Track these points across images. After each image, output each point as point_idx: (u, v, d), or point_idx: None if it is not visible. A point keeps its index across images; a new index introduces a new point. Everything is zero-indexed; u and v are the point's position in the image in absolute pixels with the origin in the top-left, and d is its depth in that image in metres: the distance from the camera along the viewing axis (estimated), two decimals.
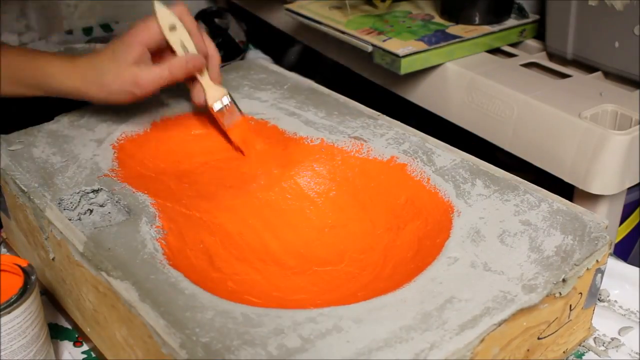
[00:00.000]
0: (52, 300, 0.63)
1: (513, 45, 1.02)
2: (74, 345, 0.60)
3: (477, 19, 0.99)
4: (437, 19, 1.02)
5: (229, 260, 0.57)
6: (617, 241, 0.91)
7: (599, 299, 0.63)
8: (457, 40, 0.94)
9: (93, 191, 0.60)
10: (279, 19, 1.23)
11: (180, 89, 0.80)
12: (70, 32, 1.33)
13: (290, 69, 0.90)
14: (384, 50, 0.92)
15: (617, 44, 0.86)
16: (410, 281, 0.48)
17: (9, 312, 0.48)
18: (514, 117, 0.85)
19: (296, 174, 0.67)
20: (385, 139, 0.67)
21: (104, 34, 1.35)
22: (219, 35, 1.20)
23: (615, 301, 0.64)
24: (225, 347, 0.43)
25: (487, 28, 0.98)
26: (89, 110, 0.73)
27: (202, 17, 1.27)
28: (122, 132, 0.69)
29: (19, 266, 0.52)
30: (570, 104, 0.81)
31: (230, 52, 1.18)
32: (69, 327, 0.62)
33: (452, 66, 0.93)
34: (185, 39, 0.67)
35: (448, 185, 0.60)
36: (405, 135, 0.68)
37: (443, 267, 0.50)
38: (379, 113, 0.73)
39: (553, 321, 0.51)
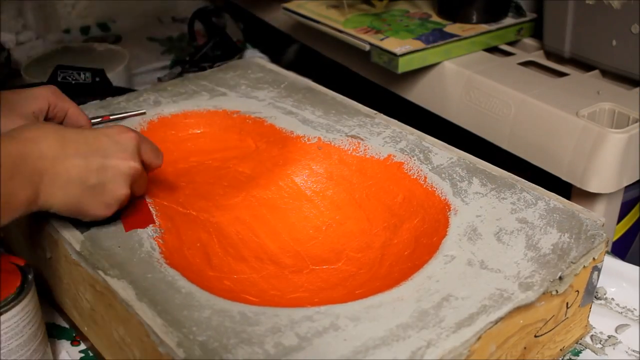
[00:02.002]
0: (49, 300, 0.63)
1: (510, 43, 1.02)
2: (72, 344, 0.60)
3: (474, 17, 0.99)
4: (435, 18, 1.02)
5: (226, 259, 0.57)
6: (614, 239, 0.91)
7: (596, 297, 0.63)
8: (455, 39, 0.94)
9: None
10: (277, 18, 1.23)
11: (178, 89, 0.80)
12: (67, 31, 1.33)
13: (288, 68, 0.90)
14: (381, 49, 0.92)
15: (614, 43, 0.86)
16: (407, 279, 0.48)
17: (6, 311, 0.48)
18: (512, 115, 0.85)
19: (293, 172, 0.67)
20: (382, 137, 0.67)
21: (102, 33, 1.35)
22: (216, 35, 1.20)
23: (613, 299, 0.64)
24: (222, 346, 0.43)
25: (485, 27, 0.98)
26: (86, 110, 0.73)
27: (199, 16, 1.27)
28: None
29: (17, 265, 0.52)
30: (568, 103, 0.81)
31: (228, 51, 1.17)
32: (67, 326, 0.61)
33: (449, 65, 0.94)
34: None
35: (445, 183, 0.60)
36: (402, 134, 0.68)
37: (440, 265, 0.50)
38: (376, 112, 0.73)
39: (550, 319, 0.51)
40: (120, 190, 0.53)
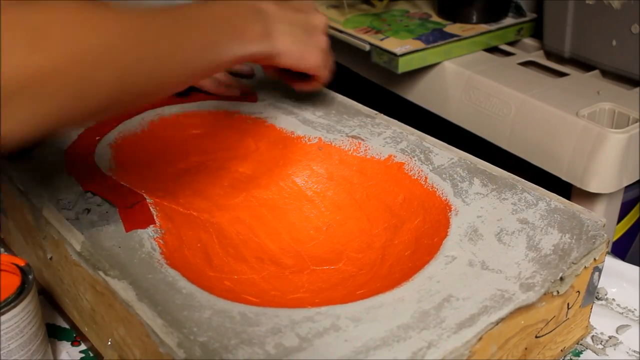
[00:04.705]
0: (49, 300, 0.63)
1: (510, 43, 1.03)
2: (72, 344, 0.60)
3: (474, 17, 1.00)
4: (435, 18, 1.03)
5: (227, 259, 0.57)
6: (614, 239, 0.92)
7: (596, 298, 0.63)
8: (455, 39, 0.94)
9: (90, 190, 0.60)
10: None
11: None
12: None
13: None
14: (381, 49, 0.92)
15: (614, 43, 0.86)
16: (408, 280, 0.48)
17: (6, 312, 0.48)
18: (512, 115, 0.85)
19: (294, 173, 0.67)
20: (382, 137, 0.67)
21: None
22: None
23: (613, 299, 0.64)
24: (222, 347, 0.43)
25: (485, 27, 0.98)
26: None
27: None
28: (120, 131, 0.69)
29: (17, 266, 0.52)
30: (568, 103, 0.81)
31: None
32: (67, 326, 0.61)
33: (449, 65, 0.94)
34: None
35: (445, 184, 0.60)
36: (402, 134, 0.68)
37: (441, 266, 0.50)
38: (376, 112, 0.73)
39: (551, 320, 0.51)
40: (322, 38, 0.65)
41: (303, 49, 0.62)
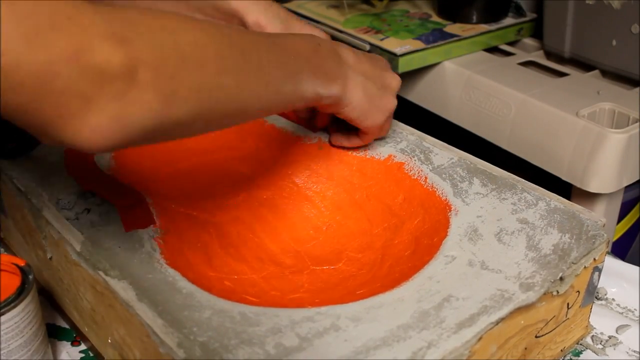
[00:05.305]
0: (49, 300, 0.63)
1: (510, 43, 1.03)
2: (72, 344, 0.60)
3: (474, 17, 1.00)
4: (435, 18, 1.03)
5: (227, 259, 0.57)
6: (614, 239, 0.92)
7: (596, 297, 0.63)
8: (455, 39, 0.94)
9: (90, 190, 0.60)
10: None
11: None
12: None
13: None
14: (381, 49, 0.92)
15: (614, 43, 0.86)
16: (408, 280, 0.48)
17: (6, 312, 0.48)
18: (512, 115, 0.85)
19: (293, 173, 0.67)
20: (382, 137, 0.67)
21: None
22: None
23: (613, 299, 0.64)
24: (222, 346, 0.43)
25: (485, 27, 0.98)
26: None
27: None
28: None
29: (17, 265, 0.52)
30: (568, 103, 0.81)
31: None
32: (67, 326, 0.61)
33: (449, 65, 0.94)
34: None
35: (445, 184, 0.60)
36: (402, 134, 0.68)
37: (440, 266, 0.50)
38: None
39: (550, 319, 0.51)
40: (392, 101, 0.62)
41: (370, 106, 0.59)
